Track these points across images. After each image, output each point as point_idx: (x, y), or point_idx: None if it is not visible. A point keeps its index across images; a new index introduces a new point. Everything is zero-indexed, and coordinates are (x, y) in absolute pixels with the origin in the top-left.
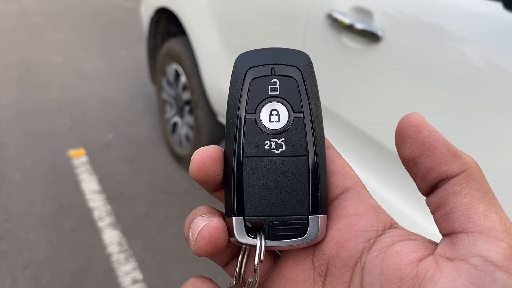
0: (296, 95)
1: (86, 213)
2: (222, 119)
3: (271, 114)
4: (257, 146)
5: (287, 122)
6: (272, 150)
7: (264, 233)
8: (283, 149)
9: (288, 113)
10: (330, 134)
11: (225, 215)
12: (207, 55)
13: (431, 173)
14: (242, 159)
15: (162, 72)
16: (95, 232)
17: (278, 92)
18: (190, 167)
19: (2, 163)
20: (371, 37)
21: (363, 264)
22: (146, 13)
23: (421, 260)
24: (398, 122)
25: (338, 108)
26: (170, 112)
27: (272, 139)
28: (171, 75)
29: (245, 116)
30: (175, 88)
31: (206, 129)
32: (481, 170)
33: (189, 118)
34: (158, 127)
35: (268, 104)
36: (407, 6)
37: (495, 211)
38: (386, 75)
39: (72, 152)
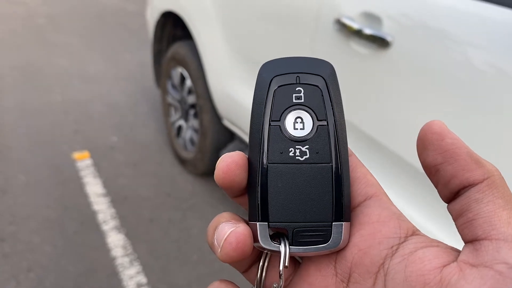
0: (320, 103)
1: (90, 216)
2: (227, 123)
3: (295, 122)
4: (281, 153)
5: (311, 130)
6: (297, 157)
7: (288, 239)
8: (307, 156)
9: (313, 121)
10: None
11: (249, 220)
12: (213, 59)
13: (454, 180)
14: (267, 165)
15: (167, 75)
16: (99, 235)
17: (302, 100)
18: (215, 172)
19: (7, 165)
20: (379, 42)
21: (386, 270)
22: (152, 16)
23: (444, 266)
24: (420, 129)
25: (346, 113)
26: (175, 115)
27: (297, 146)
28: (176, 79)
29: (270, 124)
30: (180, 92)
31: (211, 133)
32: (503, 178)
33: (194, 122)
34: (162, 130)
35: (293, 112)
36: (416, 12)
37: None
38: (395, 80)
39: (76, 155)
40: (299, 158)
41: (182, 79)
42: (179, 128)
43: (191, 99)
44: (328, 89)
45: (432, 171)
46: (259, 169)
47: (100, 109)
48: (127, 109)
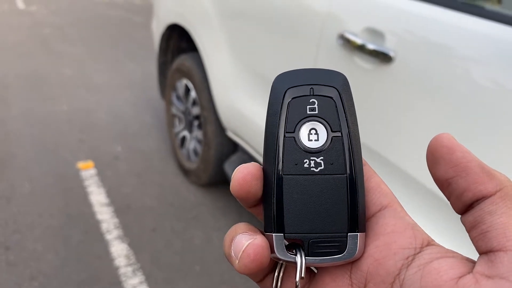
0: (334, 115)
1: (94, 225)
2: (231, 135)
3: (310, 133)
4: (296, 164)
5: (325, 141)
6: (311, 169)
7: (303, 250)
8: (322, 167)
9: (327, 132)
10: None
11: (265, 231)
12: (218, 71)
13: (466, 193)
14: (282, 177)
15: (172, 87)
16: (103, 245)
17: (316, 112)
18: (231, 183)
19: (12, 174)
20: (382, 57)
21: (401, 281)
22: (158, 29)
23: (460, 277)
24: (429, 143)
25: None
26: (179, 126)
27: (311, 158)
28: (181, 90)
29: (284, 135)
30: (185, 103)
31: (214, 144)
32: None
33: (197, 133)
34: (166, 140)
35: (307, 124)
36: (419, 28)
37: None
38: (397, 94)
39: (80, 164)
40: (314, 169)
41: (187, 90)
42: (183, 139)
43: (195, 110)
44: (342, 100)
45: (444, 185)
46: (274, 181)
47: (105, 119)
48: (132, 119)
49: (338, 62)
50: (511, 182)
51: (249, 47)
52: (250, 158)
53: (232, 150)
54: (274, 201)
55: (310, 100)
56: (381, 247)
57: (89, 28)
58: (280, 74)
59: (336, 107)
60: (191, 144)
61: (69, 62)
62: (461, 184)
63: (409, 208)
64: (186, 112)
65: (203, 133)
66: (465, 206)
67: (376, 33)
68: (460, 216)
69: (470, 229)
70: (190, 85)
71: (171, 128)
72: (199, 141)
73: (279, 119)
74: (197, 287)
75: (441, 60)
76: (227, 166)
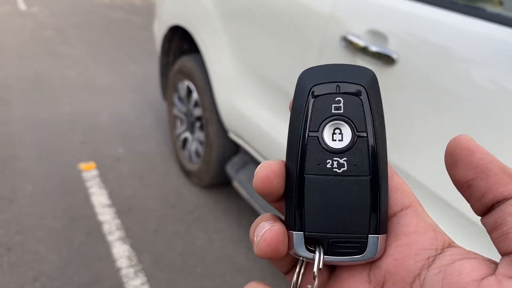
0: (360, 114)
1: (96, 226)
2: (233, 136)
3: (334, 133)
4: (319, 164)
5: (350, 142)
6: (334, 169)
7: (323, 247)
8: (345, 168)
9: (352, 133)
10: None
11: (286, 228)
12: (220, 73)
13: (487, 195)
14: (304, 176)
15: (174, 88)
16: (105, 246)
17: (342, 111)
18: (254, 180)
19: (14, 175)
20: (385, 59)
21: (422, 281)
22: (160, 30)
23: (482, 279)
24: (447, 144)
25: None
26: (180, 127)
27: (334, 158)
28: (183, 92)
29: (308, 134)
30: (187, 105)
31: (216, 145)
32: None
33: (199, 134)
34: (167, 142)
35: (332, 123)
36: (422, 30)
37: None
38: (400, 96)
39: (82, 166)
40: (337, 170)
41: (189, 92)
42: (185, 140)
43: (197, 111)
44: (369, 99)
45: (464, 187)
46: (296, 180)
47: (107, 121)
48: (133, 121)
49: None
50: None
51: (251, 49)
52: (251, 160)
53: (234, 151)
54: (295, 200)
55: (336, 99)
56: (402, 247)
57: (90, 30)
58: (306, 70)
59: (363, 106)
60: (193, 146)
61: (70, 64)
62: (482, 186)
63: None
64: (188, 114)
65: (205, 134)
66: (486, 207)
67: (379, 35)
68: (480, 218)
69: (491, 230)
70: (192, 87)
71: (173, 130)
72: (201, 143)
73: (303, 117)
74: None
75: (444, 62)
76: (229, 168)
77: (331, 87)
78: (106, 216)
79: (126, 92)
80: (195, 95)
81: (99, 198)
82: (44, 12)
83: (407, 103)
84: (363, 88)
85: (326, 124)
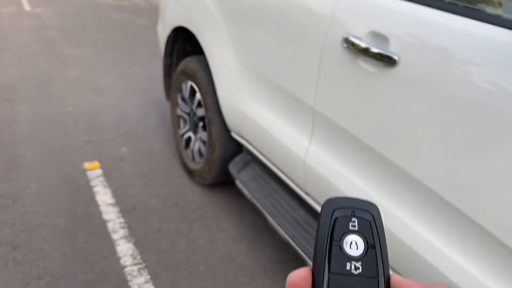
0: (370, 232)
1: (100, 225)
2: (236, 136)
3: (351, 244)
4: (341, 266)
5: (363, 251)
6: (352, 271)
7: None
8: (360, 270)
9: (364, 244)
10: (347, 154)
11: None
12: (223, 74)
13: None
14: (329, 275)
15: (177, 88)
16: (109, 244)
17: (356, 228)
18: (286, 286)
19: (18, 174)
20: (386, 60)
21: None
22: (163, 31)
23: None
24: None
25: (354, 129)
26: (183, 127)
27: (352, 262)
28: (186, 92)
29: (332, 243)
30: (190, 105)
31: (219, 145)
32: None
33: (202, 134)
34: (170, 142)
35: (349, 236)
36: (423, 32)
37: None
38: (402, 98)
39: (87, 165)
40: (354, 271)
41: (192, 92)
42: (188, 140)
43: (200, 111)
44: (376, 223)
45: None
46: (323, 278)
47: (111, 121)
48: (137, 121)
49: (342, 64)
50: None
51: (253, 50)
52: (254, 159)
53: (237, 151)
54: None
55: (352, 219)
56: None
57: (94, 30)
58: (329, 198)
59: (371, 227)
60: (195, 145)
61: (74, 64)
62: None
63: (411, 208)
64: (191, 114)
65: (207, 134)
66: None
67: (380, 37)
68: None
69: None
70: (196, 87)
71: (176, 130)
72: (203, 142)
73: (329, 230)
74: (201, 287)
75: (445, 63)
76: (231, 167)
77: (348, 211)
78: (110, 215)
79: (129, 92)
80: (198, 95)
81: (103, 197)
82: (48, 13)
83: (408, 104)
84: (371, 215)
85: (346, 236)
